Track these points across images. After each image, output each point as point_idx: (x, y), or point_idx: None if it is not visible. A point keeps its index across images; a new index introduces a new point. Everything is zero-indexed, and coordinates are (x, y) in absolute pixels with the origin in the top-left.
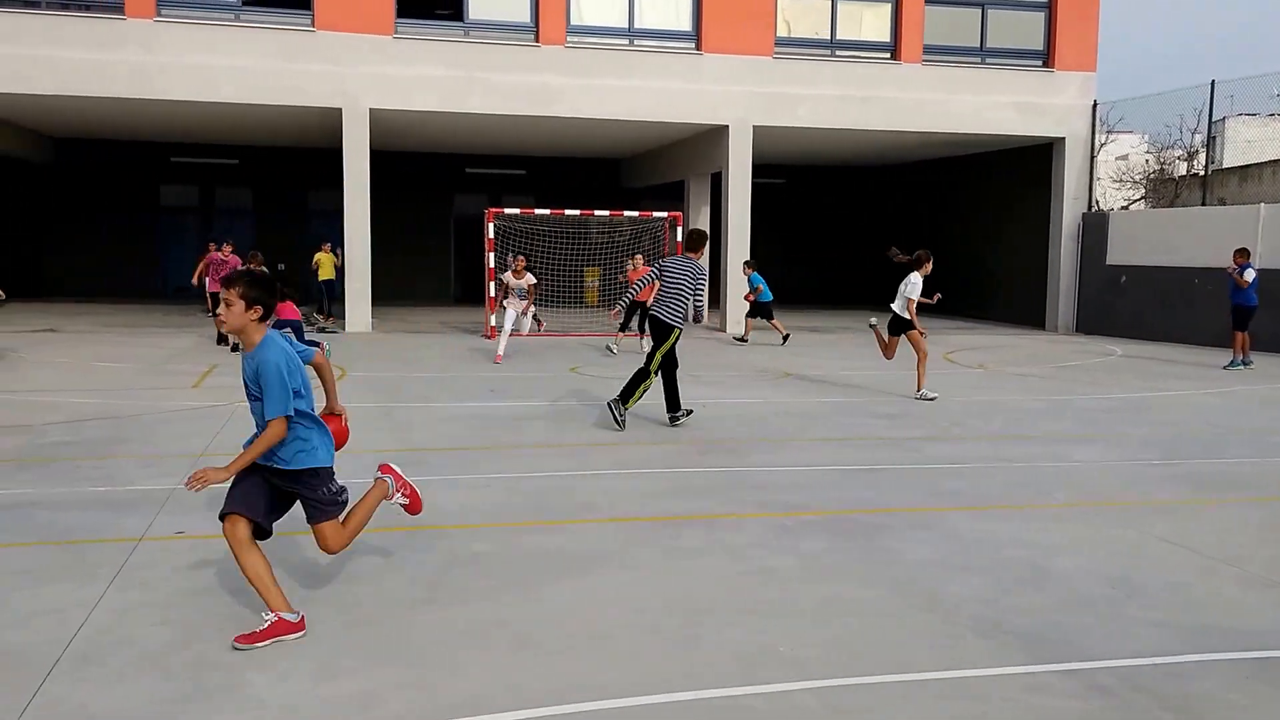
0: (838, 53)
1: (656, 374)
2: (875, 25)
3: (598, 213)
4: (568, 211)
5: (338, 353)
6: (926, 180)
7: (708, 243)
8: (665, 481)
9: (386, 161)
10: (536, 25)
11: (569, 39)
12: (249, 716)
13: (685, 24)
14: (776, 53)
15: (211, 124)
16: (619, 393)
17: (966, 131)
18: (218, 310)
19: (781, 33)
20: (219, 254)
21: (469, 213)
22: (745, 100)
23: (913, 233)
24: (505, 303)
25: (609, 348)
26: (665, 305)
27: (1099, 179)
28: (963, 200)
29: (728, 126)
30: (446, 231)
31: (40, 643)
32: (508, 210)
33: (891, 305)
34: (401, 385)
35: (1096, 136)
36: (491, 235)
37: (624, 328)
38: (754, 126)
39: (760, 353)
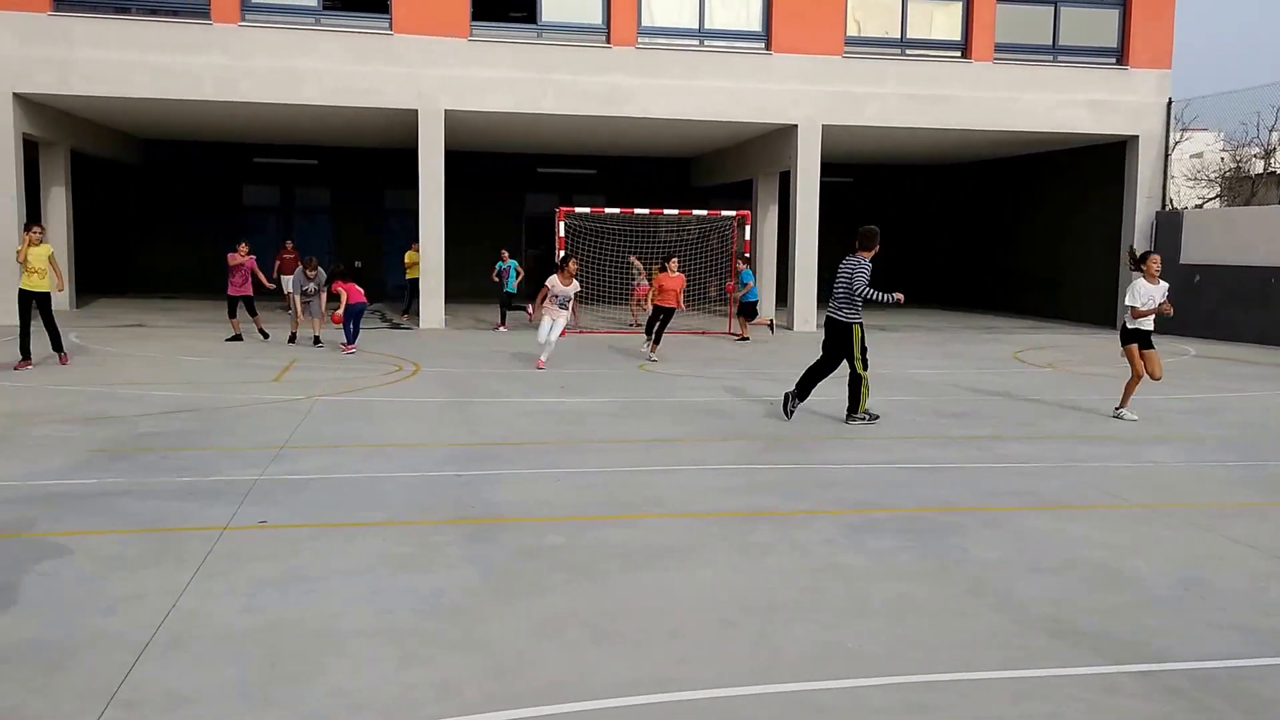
0: (908, 52)
1: (868, 371)
2: (946, 24)
3: (667, 212)
4: (637, 211)
5: (411, 348)
6: (995, 179)
7: (877, 239)
8: (735, 478)
9: (460, 161)
10: (608, 27)
11: (640, 40)
12: (330, 703)
13: (755, 24)
14: (846, 52)
15: (292, 125)
16: (796, 385)
17: (1037, 130)
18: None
19: (851, 32)
20: (236, 255)
21: (540, 211)
22: (814, 99)
23: (981, 231)
24: (545, 309)
25: (651, 359)
26: (837, 305)
27: (1173, 177)
28: (1032, 199)
29: (796, 126)
30: (518, 230)
31: (131, 627)
32: (578, 209)
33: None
34: (473, 381)
35: (1171, 134)
36: (562, 234)
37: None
38: (823, 126)
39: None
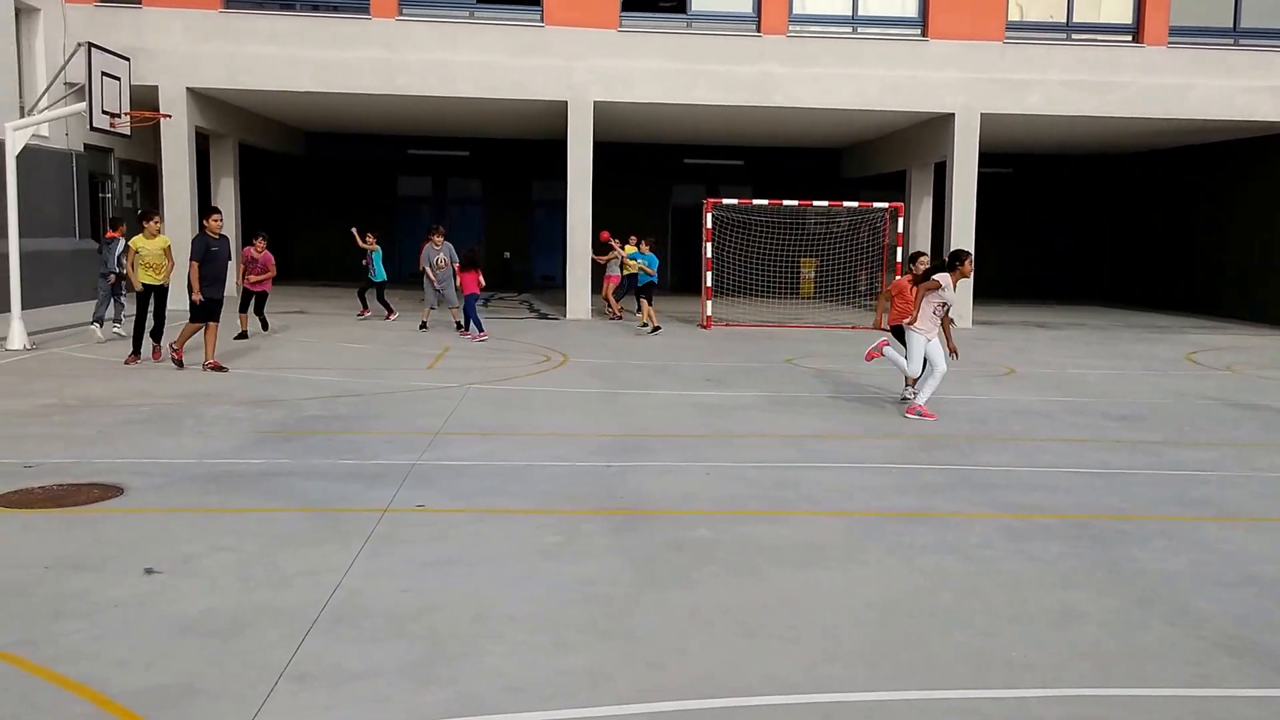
0: (1074, 36)
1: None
2: (1116, 6)
3: (816, 203)
4: (785, 202)
5: (559, 338)
6: (1165, 169)
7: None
8: (889, 477)
9: (607, 152)
10: (758, 15)
11: (791, 28)
12: (487, 685)
13: (911, 10)
14: (1008, 37)
15: (446, 118)
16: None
17: (1215, 118)
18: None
19: (1013, 16)
20: (251, 249)
21: (687, 202)
22: (972, 87)
23: (1149, 225)
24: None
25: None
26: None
27: None
28: (1204, 191)
29: (953, 115)
30: (664, 221)
31: (300, 603)
32: (726, 200)
33: None
34: (620, 372)
35: None
36: (709, 225)
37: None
38: (981, 114)
39: (981, 349)
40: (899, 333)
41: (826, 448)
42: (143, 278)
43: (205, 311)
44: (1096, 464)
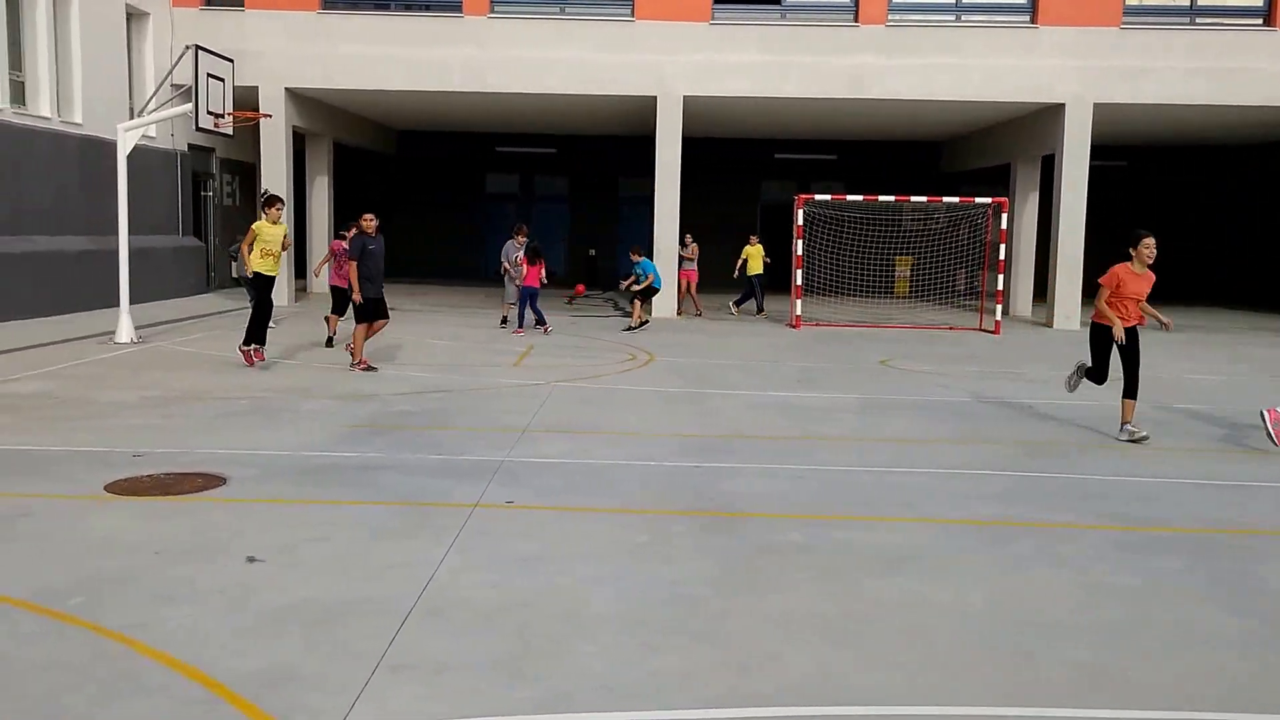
0: (1198, 20)
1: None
2: None
3: (914, 199)
4: (881, 198)
5: (644, 337)
6: None
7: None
8: (989, 484)
9: (695, 147)
10: (856, 5)
11: (890, 18)
12: (578, 683)
13: None
14: (1125, 23)
15: (533, 115)
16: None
17: None
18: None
19: (1131, 0)
20: (341, 242)
21: (776, 199)
22: (1085, 75)
23: (1276, 223)
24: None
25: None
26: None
27: None
28: None
29: (1064, 105)
30: (753, 217)
31: (394, 594)
32: (818, 196)
33: None
34: (707, 372)
35: None
36: (801, 222)
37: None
38: (1094, 104)
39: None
40: (1104, 334)
41: (924, 452)
42: (257, 266)
43: (369, 311)
44: (1217, 475)
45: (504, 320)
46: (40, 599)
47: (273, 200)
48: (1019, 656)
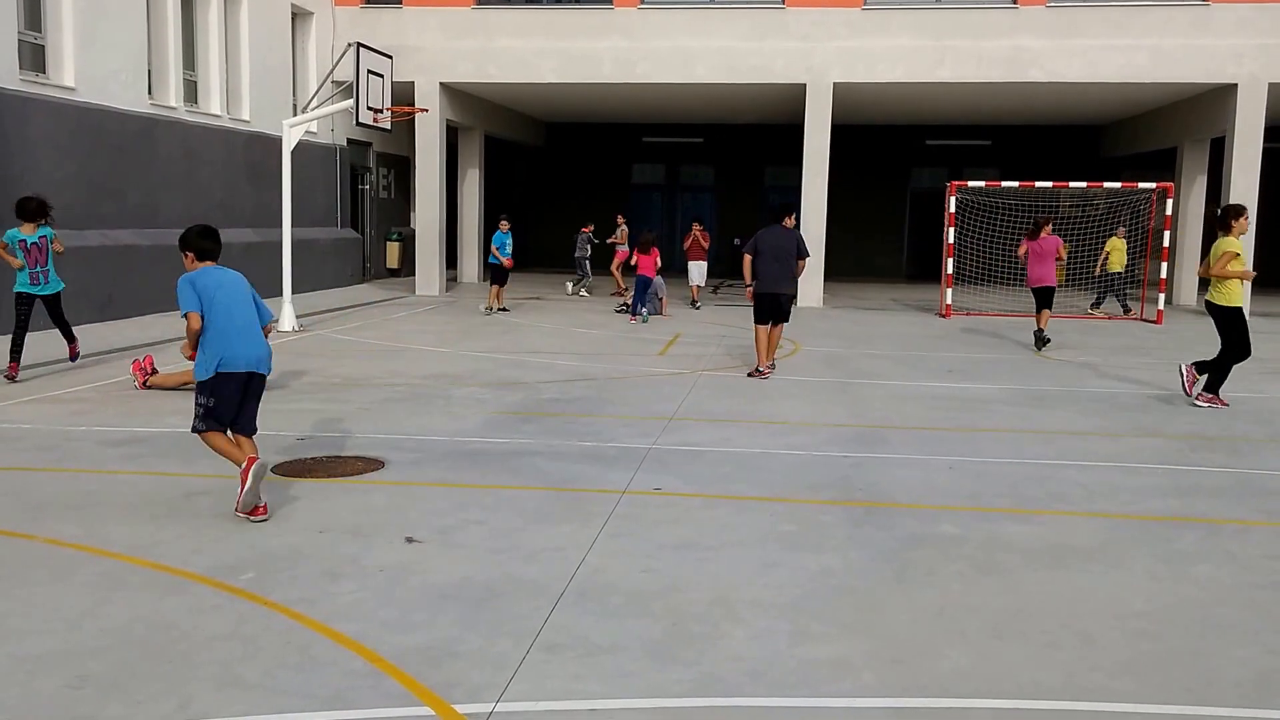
0: None
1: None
2: None
3: (1072, 185)
4: (1038, 184)
5: (790, 326)
6: None
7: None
8: (1153, 478)
9: (843, 135)
10: None
11: None
12: (729, 668)
13: None
14: None
15: (680, 105)
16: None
17: None
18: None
19: None
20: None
21: (926, 186)
22: (1262, 54)
23: None
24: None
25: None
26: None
27: None
28: None
29: (1236, 85)
30: (901, 206)
31: (547, 577)
32: (971, 183)
33: None
34: (854, 362)
35: None
36: (953, 210)
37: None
38: (1269, 84)
39: (1266, 343)
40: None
41: (1082, 445)
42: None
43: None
44: None
45: (622, 305)
46: (216, 574)
47: (1236, 210)
48: (1187, 655)
